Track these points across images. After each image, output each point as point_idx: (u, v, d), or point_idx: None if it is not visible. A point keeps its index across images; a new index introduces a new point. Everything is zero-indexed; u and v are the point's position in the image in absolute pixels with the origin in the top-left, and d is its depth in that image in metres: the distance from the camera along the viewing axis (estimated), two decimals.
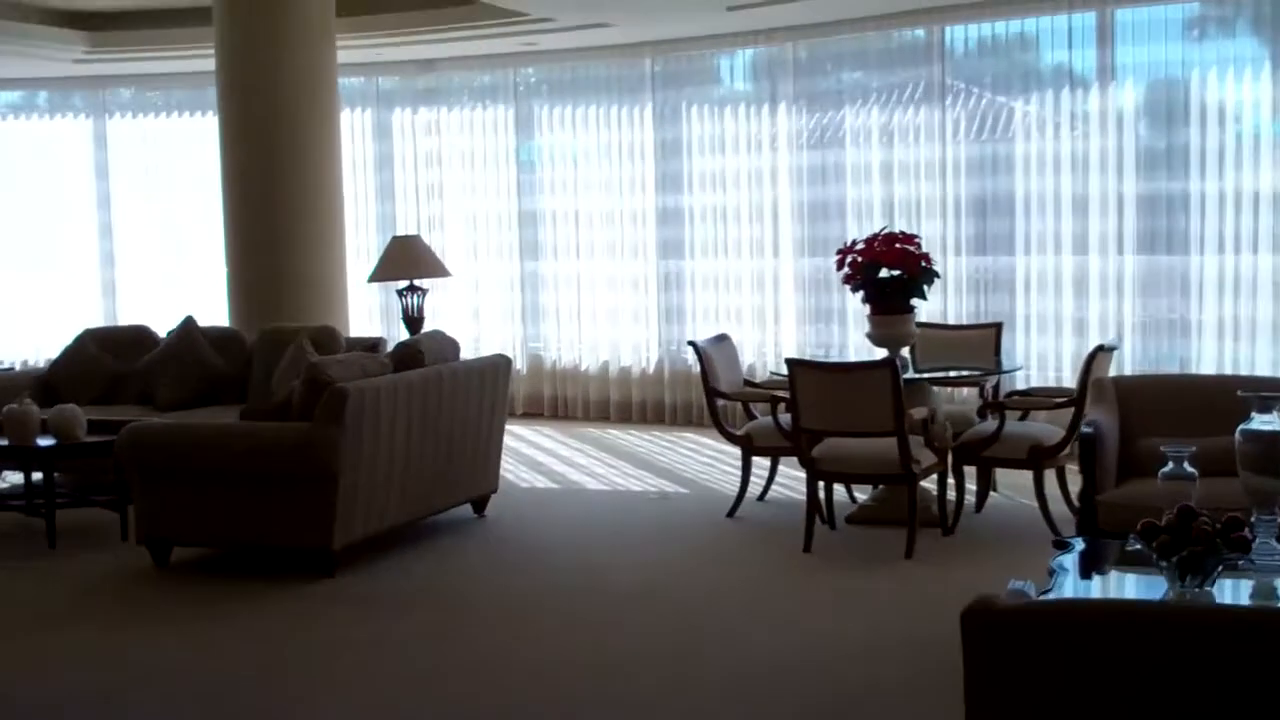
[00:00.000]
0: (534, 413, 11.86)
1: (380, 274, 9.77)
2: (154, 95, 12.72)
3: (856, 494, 7.88)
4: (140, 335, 9.60)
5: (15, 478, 8.44)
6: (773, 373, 8.80)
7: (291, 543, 6.67)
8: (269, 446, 6.58)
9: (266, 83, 9.37)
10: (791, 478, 8.14)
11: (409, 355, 7.31)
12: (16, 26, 10.40)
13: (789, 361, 6.97)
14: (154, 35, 10.94)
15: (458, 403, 7.40)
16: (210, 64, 9.68)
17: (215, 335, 9.30)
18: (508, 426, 8.19)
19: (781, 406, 7.24)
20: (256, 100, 9.41)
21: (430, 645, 5.65)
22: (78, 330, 9.68)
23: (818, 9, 9.85)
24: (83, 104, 12.78)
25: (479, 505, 7.95)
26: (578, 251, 11.77)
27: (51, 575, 6.93)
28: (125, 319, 12.11)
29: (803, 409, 6.80)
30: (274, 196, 9.43)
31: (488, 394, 7.71)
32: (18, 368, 12.11)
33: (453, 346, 7.77)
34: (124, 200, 12.81)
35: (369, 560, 6.85)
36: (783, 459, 7.93)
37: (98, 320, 12.22)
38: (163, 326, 9.69)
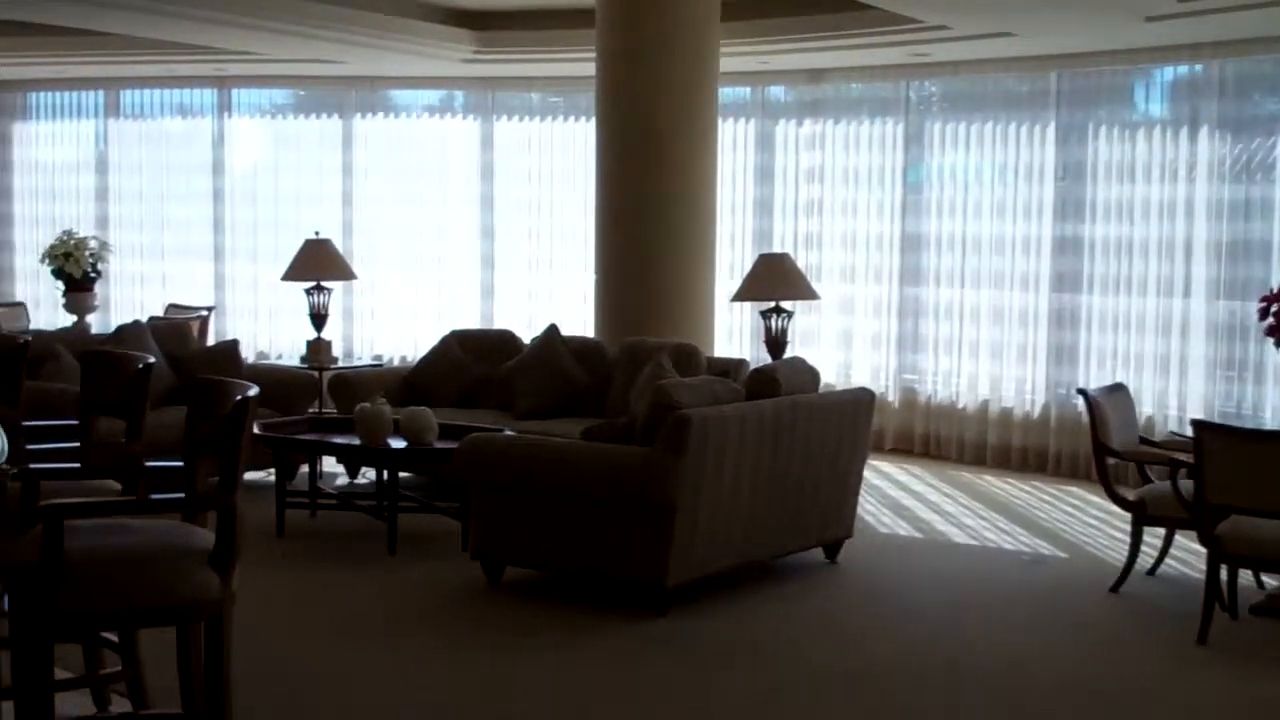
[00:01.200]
0: (903, 449, 11.10)
1: (744, 293, 9.30)
2: (537, 97, 12.70)
3: (1266, 580, 6.82)
4: (505, 340, 9.52)
5: (372, 474, 8.43)
6: (1173, 431, 7.80)
7: (624, 574, 6.25)
8: (606, 470, 6.19)
9: (645, 90, 9.03)
10: (1189, 552, 7.15)
11: (763, 383, 6.78)
12: (413, 24, 10.49)
13: (1197, 425, 6.03)
14: (538, 36, 10.84)
15: (812, 438, 6.81)
16: (591, 68, 9.44)
17: (577, 345, 9.09)
18: (872, 462, 7.55)
19: (1183, 472, 6.30)
20: (634, 107, 9.10)
21: (759, 708, 5.09)
22: (448, 331, 9.72)
23: (1252, 23, 8.73)
24: (470, 104, 12.89)
25: (831, 550, 7.33)
26: (962, 279, 10.95)
27: (386, 582, 6.78)
28: (500, 323, 12.11)
29: (1210, 481, 5.85)
30: (646, 206, 9.09)
31: (846, 431, 7.09)
32: (396, 362, 12.36)
33: (812, 376, 7.19)
34: (505, 203, 12.84)
35: (705, 601, 6.35)
36: (1180, 531, 6.96)
37: (474, 322, 12.27)
38: (528, 333, 9.59)
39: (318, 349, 10.09)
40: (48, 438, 4.64)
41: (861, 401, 7.28)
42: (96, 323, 11.85)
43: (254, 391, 3.63)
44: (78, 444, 4.41)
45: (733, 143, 11.54)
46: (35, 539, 3.31)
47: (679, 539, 6.07)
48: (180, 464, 3.84)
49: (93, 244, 11.45)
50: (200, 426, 3.85)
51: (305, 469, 8.50)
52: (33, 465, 3.81)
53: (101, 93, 13.71)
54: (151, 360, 4.36)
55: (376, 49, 10.87)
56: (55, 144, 14.03)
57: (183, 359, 9.11)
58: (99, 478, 4.15)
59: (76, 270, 11.18)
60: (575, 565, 6.41)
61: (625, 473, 6.12)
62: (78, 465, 4.17)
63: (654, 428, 6.14)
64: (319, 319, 10.18)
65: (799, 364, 7.27)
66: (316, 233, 10.57)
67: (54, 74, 13.22)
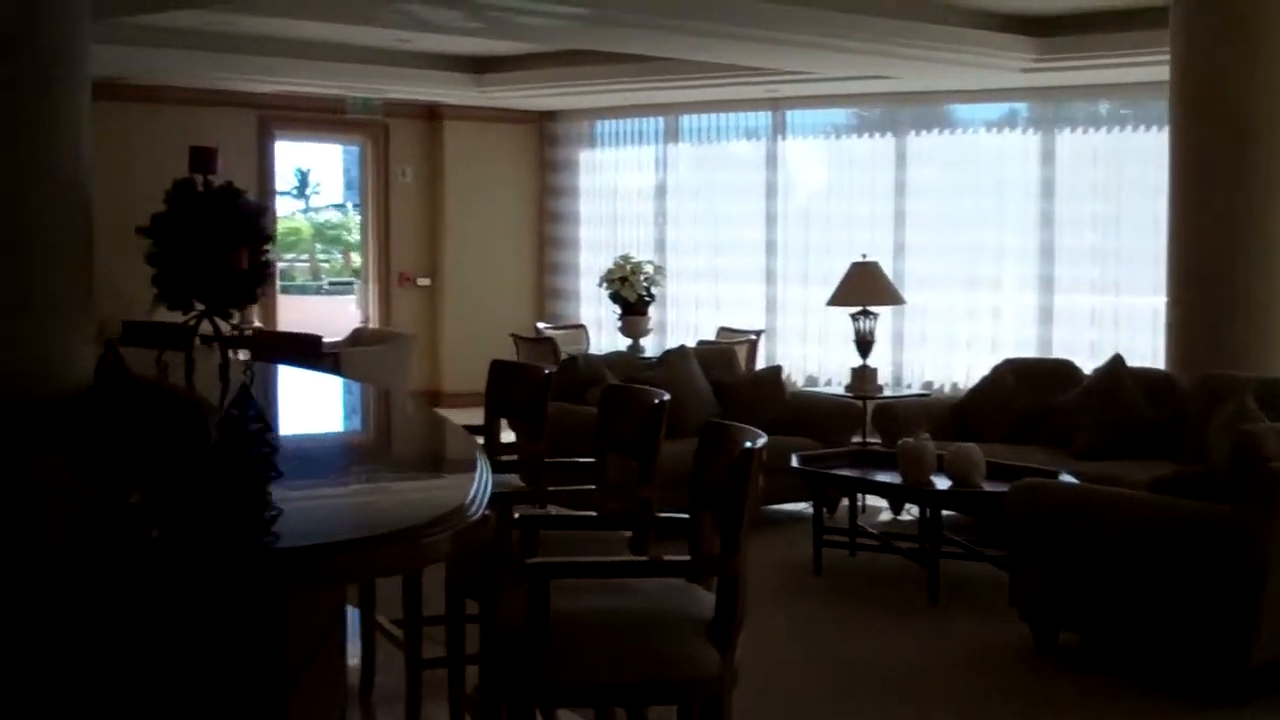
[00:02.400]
0: None
1: None
2: (1105, 107, 11.73)
3: None
4: (1062, 370, 8.77)
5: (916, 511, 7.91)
6: None
7: (1195, 649, 5.40)
8: (1180, 528, 5.36)
9: (1230, 99, 7.99)
10: None
11: None
12: (970, 33, 9.89)
13: None
14: (1106, 40, 9.91)
15: None
16: (1164, 72, 8.48)
17: (1145, 378, 8.18)
18: None
19: None
20: (1216, 117, 8.07)
21: None
22: (1001, 359, 9.08)
23: None
24: (1031, 117, 12.08)
25: None
26: None
27: (923, 636, 6.23)
28: (1058, 351, 11.25)
29: None
30: (1226, 225, 8.04)
31: None
32: (946, 390, 11.79)
33: None
34: (1067, 221, 11.92)
35: None
36: None
37: (1030, 349, 11.47)
38: (1089, 362, 8.77)
39: (862, 377, 9.70)
40: (568, 478, 4.46)
41: None
42: (651, 345, 12.02)
43: (762, 441, 3.22)
44: (594, 486, 4.18)
45: None
46: (524, 596, 3.04)
47: (1267, 614, 5.17)
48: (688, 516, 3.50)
49: (648, 268, 11.61)
50: (708, 471, 3.49)
51: (846, 501, 8.12)
52: (536, 512, 3.59)
53: (661, 119, 13.99)
54: (666, 398, 4.05)
55: (931, 62, 10.35)
56: (618, 170, 14.45)
57: (727, 385, 8.97)
58: (609, 527, 3.89)
59: (631, 294, 11.36)
60: (1138, 635, 5.61)
61: (1203, 533, 5.28)
62: (580, 514, 3.93)
63: (1238, 481, 5.26)
64: (864, 345, 9.78)
65: None
66: (864, 256, 10.19)
67: (619, 102, 13.61)
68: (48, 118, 4.41)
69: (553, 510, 4.25)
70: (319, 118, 13.83)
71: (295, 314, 14.98)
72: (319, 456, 3.67)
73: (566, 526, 3.73)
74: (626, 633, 3.11)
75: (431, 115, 14.30)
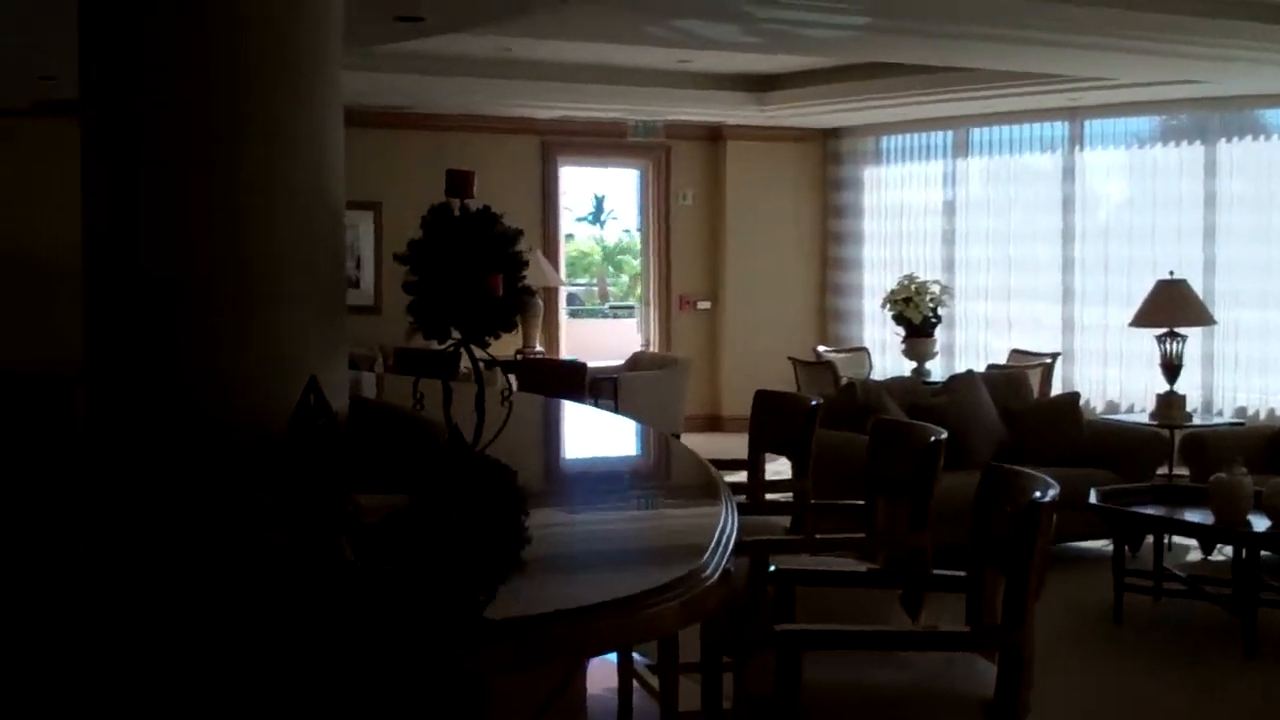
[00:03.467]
0: None
1: None
2: None
3: None
4: None
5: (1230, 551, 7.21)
6: None
7: None
8: None
9: None
10: None
11: None
12: None
13: None
14: None
15: None
16: None
17: None
18: None
19: None
20: None
21: None
22: None
23: None
24: None
25: None
26: None
27: (1236, 696, 5.60)
28: None
29: None
30: None
31: None
32: (1262, 418, 10.89)
33: None
34: None
35: None
36: None
37: None
38: None
39: (1169, 404, 8.98)
40: (835, 521, 4.08)
41: None
42: (937, 369, 11.49)
43: (1053, 494, 2.79)
44: (862, 534, 3.79)
45: None
46: (775, 664, 2.69)
47: None
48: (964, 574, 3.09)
49: (933, 288, 11.10)
50: (991, 522, 3.08)
51: (1151, 540, 7.46)
52: (794, 566, 3.23)
53: (950, 132, 13.42)
54: (942, 436, 3.64)
55: (1242, 63, 9.53)
56: (904, 187, 13.95)
57: (1018, 412, 8.41)
58: (877, 584, 3.49)
59: (916, 315, 10.87)
60: None
61: None
62: (845, 570, 3.54)
63: None
64: (1171, 370, 9.05)
65: None
66: (1170, 273, 9.45)
67: (906, 116, 13.13)
68: (302, 141, 4.32)
69: (816, 560, 3.88)
70: (600, 142, 13.80)
71: (580, 337, 14.98)
72: (528, 499, 3.40)
73: (828, 582, 3.36)
74: (890, 712, 2.73)
75: (713, 136, 14.10)
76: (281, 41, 4.23)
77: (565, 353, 13.19)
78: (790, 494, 4.59)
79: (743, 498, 4.39)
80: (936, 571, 3.39)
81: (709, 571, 2.33)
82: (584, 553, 2.80)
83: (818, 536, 3.92)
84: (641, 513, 3.30)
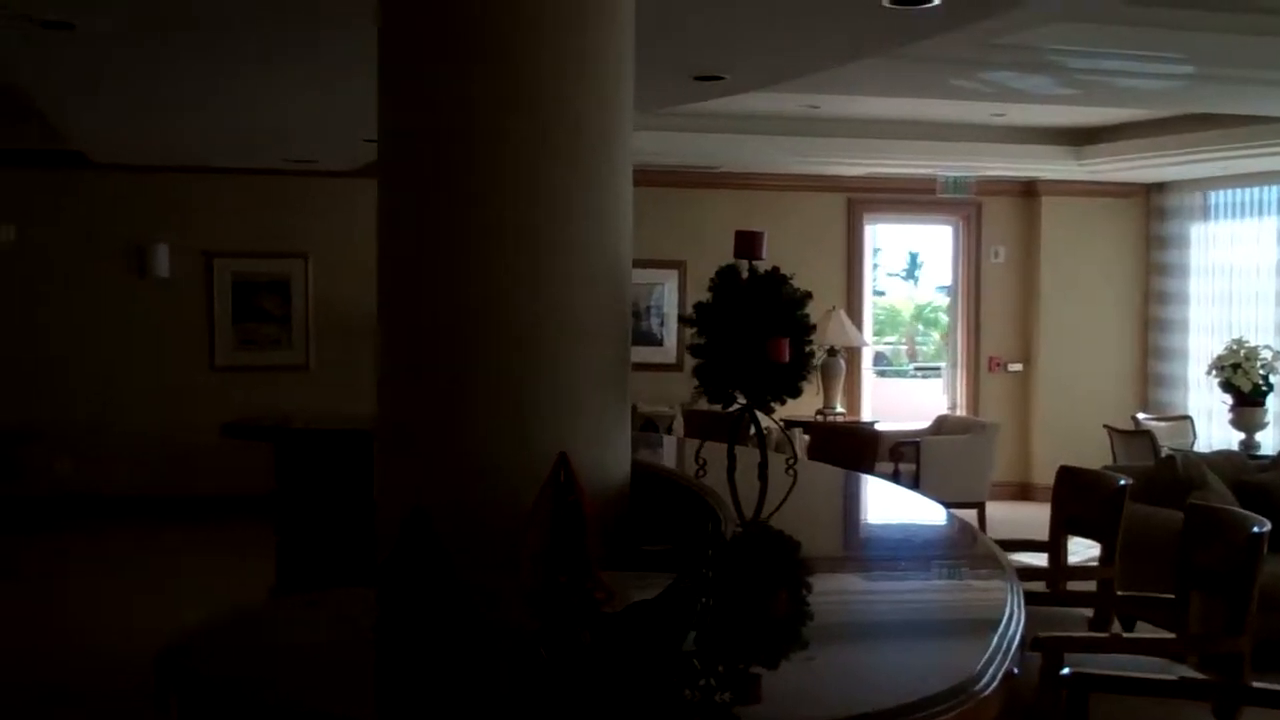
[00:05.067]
0: None
1: None
2: None
3: None
4: None
5: None
6: None
7: None
8: None
9: None
10: None
11: None
12: None
13: None
14: None
15: None
16: None
17: None
18: None
19: None
20: None
21: None
22: None
23: None
24: None
25: None
26: None
27: None
28: None
29: None
30: None
31: None
32: None
33: None
34: None
35: None
36: None
37: None
38: None
39: None
40: (1143, 615, 3.73)
41: None
42: (1268, 441, 10.70)
43: None
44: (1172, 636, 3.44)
45: None
46: None
47: None
48: None
49: (1265, 354, 10.36)
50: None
51: None
52: (1091, 669, 2.93)
53: None
54: (1265, 528, 3.27)
55: None
56: (1234, 245, 13.10)
57: None
58: (1185, 695, 3.14)
59: (1245, 383, 10.16)
60: None
61: None
62: (1150, 677, 3.19)
63: None
64: None
65: None
66: None
67: (1235, 169, 12.35)
68: (590, 204, 4.27)
69: (1118, 661, 3.54)
70: (909, 199, 13.50)
71: (884, 398, 14.65)
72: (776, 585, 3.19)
73: (1129, 690, 3.04)
74: None
75: (1027, 192, 13.60)
76: (570, 105, 4.20)
77: (867, 414, 12.89)
78: (1094, 582, 4.24)
79: (1040, 584, 4.09)
80: (1256, 684, 3.02)
81: (985, 681, 2.10)
82: (844, 646, 2.59)
83: (1121, 636, 3.58)
84: (918, 599, 3.06)
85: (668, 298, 12.60)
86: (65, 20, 5.80)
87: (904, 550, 3.87)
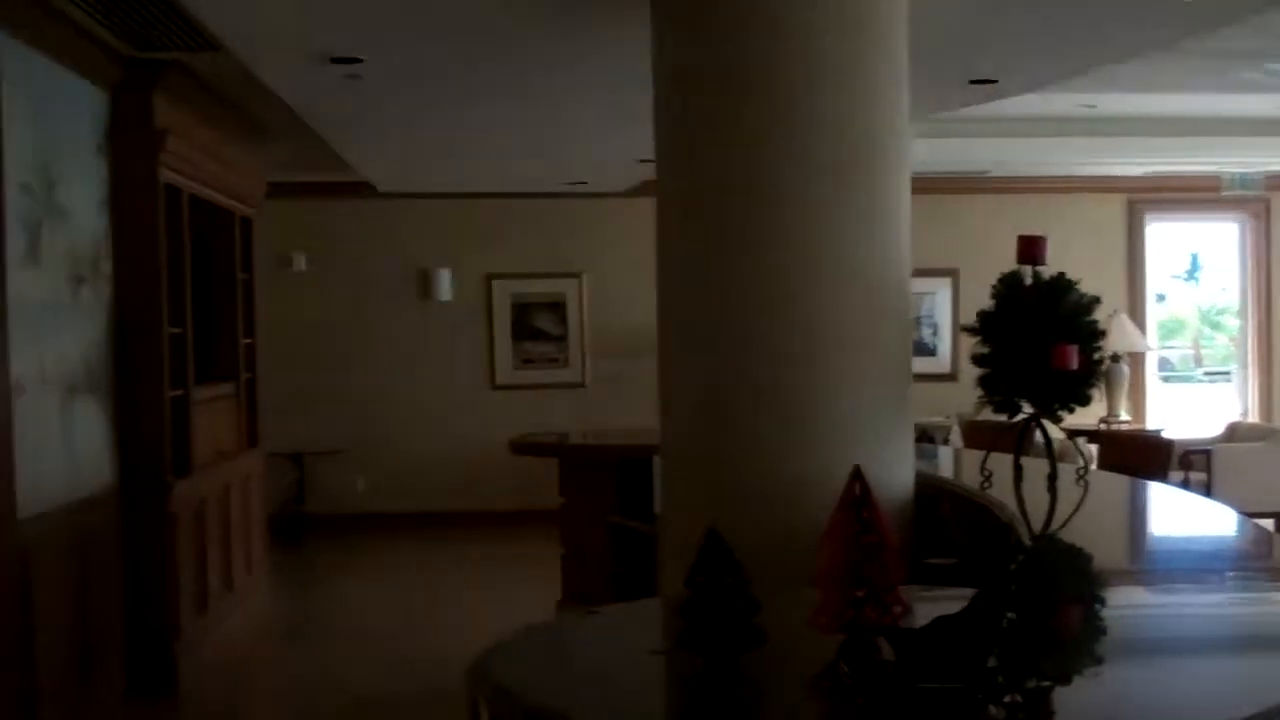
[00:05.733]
0: None
1: None
2: None
3: None
4: None
5: None
6: None
7: None
8: None
9: None
10: None
11: None
12: None
13: None
14: None
15: None
16: None
17: None
18: None
19: None
20: None
21: None
22: None
23: None
24: None
25: None
26: None
27: None
28: None
29: None
30: None
31: None
32: None
33: None
34: None
35: None
36: None
37: None
38: None
39: None
40: None
41: None
42: None
43: None
44: None
45: None
46: None
47: None
48: None
49: None
50: None
51: None
52: None
53: None
54: None
55: None
56: None
57: None
58: None
59: None
60: None
61: None
62: None
63: None
64: None
65: None
66: None
67: None
68: (869, 212, 4.26)
69: None
70: (1191, 197, 12.97)
71: (1168, 404, 14.07)
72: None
73: None
74: None
75: None
76: (845, 116, 4.20)
77: (1152, 422, 12.43)
78: None
79: None
80: None
81: None
82: (1140, 663, 2.52)
83: None
84: (1217, 614, 2.95)
85: (940, 307, 12.41)
86: (354, 56, 6.10)
87: (1200, 562, 3.73)
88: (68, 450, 5.98)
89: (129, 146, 6.64)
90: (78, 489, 6.08)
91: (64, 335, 5.97)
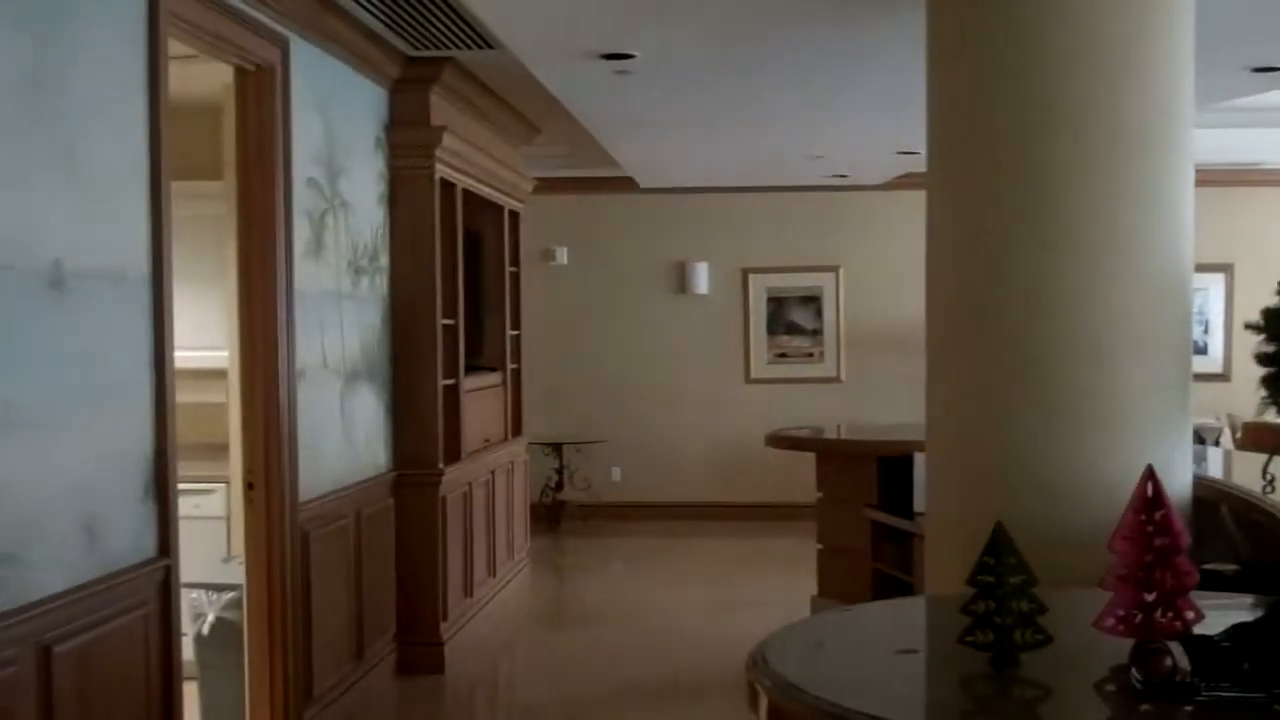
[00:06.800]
0: None
1: None
2: None
3: None
4: None
5: None
6: None
7: None
8: None
9: None
10: None
11: None
12: None
13: None
14: None
15: None
16: None
17: None
18: None
19: None
20: None
21: None
22: None
23: None
24: None
25: None
26: None
27: None
28: None
29: None
30: None
31: None
32: None
33: None
34: None
35: None
36: None
37: None
38: None
39: None
40: None
41: None
42: None
43: None
44: None
45: None
46: None
47: None
48: None
49: None
50: None
51: None
52: None
53: None
54: None
55: None
56: None
57: None
58: None
59: None
60: None
61: None
62: None
63: None
64: None
65: None
66: None
67: None
68: (1155, 203, 4.13)
69: None
70: None
71: None
72: None
73: None
74: None
75: None
76: (1137, 100, 4.08)
77: None
78: None
79: None
80: None
81: None
82: None
83: None
84: None
85: (1213, 303, 11.90)
86: (625, 52, 6.19)
87: None
88: (346, 435, 6.24)
89: (406, 142, 6.88)
90: (355, 472, 6.33)
91: (344, 324, 6.23)
